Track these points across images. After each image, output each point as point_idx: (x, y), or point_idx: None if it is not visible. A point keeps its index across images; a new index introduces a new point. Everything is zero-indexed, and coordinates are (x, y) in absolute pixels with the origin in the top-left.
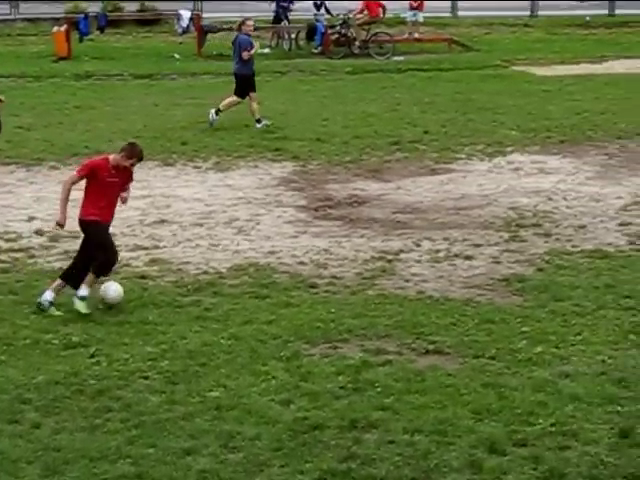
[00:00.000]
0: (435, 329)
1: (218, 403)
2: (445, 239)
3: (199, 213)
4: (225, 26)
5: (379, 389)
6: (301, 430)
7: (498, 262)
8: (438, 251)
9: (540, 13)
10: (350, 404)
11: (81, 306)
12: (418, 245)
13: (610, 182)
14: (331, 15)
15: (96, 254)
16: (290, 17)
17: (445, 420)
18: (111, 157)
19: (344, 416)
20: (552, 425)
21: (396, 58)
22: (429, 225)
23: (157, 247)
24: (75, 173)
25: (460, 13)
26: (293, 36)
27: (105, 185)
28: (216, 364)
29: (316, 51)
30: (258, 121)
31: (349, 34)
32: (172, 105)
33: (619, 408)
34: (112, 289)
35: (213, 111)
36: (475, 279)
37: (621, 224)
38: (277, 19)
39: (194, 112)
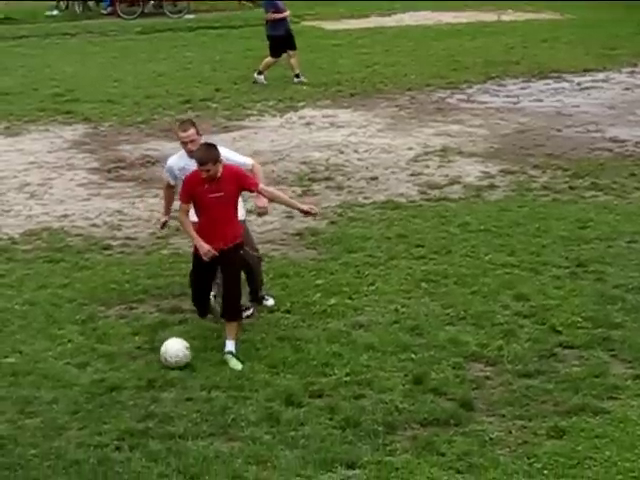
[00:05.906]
0: None
1: (14, 369)
2: None
3: None
4: None
5: None
6: (98, 392)
7: (291, 217)
8: None
9: None
10: (147, 364)
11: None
12: None
13: (400, 134)
14: None
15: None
16: None
17: (241, 375)
18: None
19: (141, 376)
20: (347, 375)
21: (187, 16)
22: None
23: None
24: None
25: None
26: None
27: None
28: (11, 330)
29: (105, 12)
30: (297, 76)
31: None
32: None
33: (412, 355)
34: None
35: (255, 74)
36: (269, 234)
37: (412, 174)
38: None
39: None
